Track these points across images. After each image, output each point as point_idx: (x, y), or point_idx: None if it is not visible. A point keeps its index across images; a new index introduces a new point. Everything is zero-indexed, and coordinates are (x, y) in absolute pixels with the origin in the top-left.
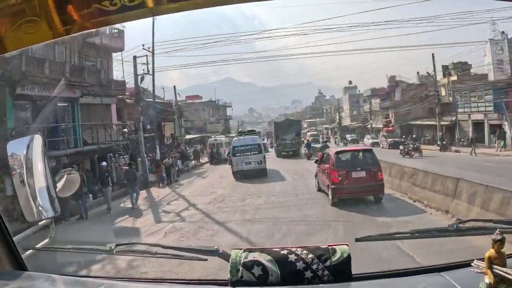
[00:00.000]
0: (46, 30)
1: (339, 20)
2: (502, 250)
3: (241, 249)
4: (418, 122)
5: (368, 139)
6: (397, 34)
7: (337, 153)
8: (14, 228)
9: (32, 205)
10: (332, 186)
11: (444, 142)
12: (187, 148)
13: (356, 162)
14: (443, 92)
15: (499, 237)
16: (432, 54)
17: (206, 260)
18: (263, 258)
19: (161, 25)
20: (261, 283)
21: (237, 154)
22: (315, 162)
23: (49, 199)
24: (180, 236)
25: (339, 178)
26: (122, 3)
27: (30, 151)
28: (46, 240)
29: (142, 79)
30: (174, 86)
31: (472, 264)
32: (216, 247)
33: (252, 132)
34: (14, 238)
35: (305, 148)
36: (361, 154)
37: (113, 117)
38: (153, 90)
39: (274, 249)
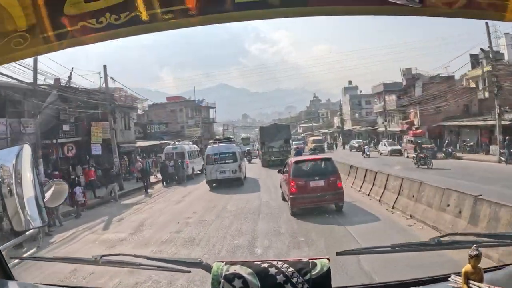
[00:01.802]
0: (38, 44)
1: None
2: (479, 265)
3: (223, 262)
4: (455, 123)
5: (385, 145)
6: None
7: (296, 162)
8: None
9: (20, 215)
10: (291, 196)
11: None
12: (139, 159)
13: (314, 171)
14: (472, 85)
15: (475, 252)
16: (486, 23)
17: (189, 272)
18: (244, 271)
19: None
20: None
21: (211, 163)
22: (278, 171)
23: (37, 209)
24: None
25: (297, 188)
26: (108, 21)
27: (19, 161)
28: (34, 250)
29: None
30: (104, 66)
31: (449, 279)
32: (199, 259)
33: (228, 139)
34: (1, 247)
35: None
36: (320, 163)
37: None
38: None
39: (255, 262)
